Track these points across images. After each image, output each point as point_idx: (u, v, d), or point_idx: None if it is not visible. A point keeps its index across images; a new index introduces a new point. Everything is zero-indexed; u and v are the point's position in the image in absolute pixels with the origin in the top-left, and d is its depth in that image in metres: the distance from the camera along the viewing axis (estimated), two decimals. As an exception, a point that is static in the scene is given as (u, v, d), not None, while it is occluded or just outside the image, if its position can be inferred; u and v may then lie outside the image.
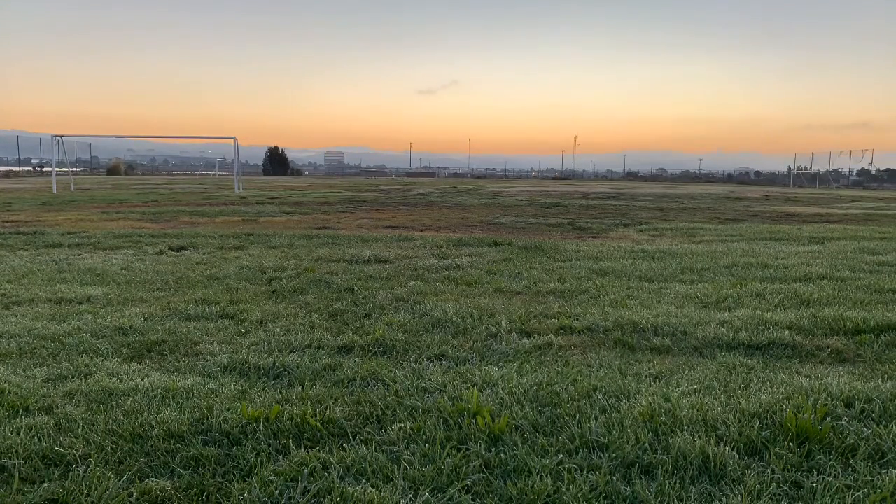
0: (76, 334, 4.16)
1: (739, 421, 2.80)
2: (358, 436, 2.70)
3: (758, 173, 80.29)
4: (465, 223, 12.97)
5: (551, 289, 5.79)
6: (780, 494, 2.26)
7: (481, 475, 2.37)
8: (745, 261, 7.54)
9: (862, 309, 4.97)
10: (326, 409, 2.94)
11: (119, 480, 2.32)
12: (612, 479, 2.33)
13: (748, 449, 2.58)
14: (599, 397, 3.08)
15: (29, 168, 64.00)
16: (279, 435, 2.69)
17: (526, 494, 2.24)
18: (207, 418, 2.82)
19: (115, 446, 2.57)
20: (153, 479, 2.34)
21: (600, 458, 2.49)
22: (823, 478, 2.35)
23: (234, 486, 2.30)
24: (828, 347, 3.99)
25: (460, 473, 2.38)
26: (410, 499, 2.23)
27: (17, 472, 2.37)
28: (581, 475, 2.35)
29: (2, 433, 2.67)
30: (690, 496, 2.24)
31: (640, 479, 2.34)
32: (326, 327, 4.42)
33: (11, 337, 4.09)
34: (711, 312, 4.89)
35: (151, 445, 2.59)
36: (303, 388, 3.22)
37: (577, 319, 4.61)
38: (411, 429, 2.74)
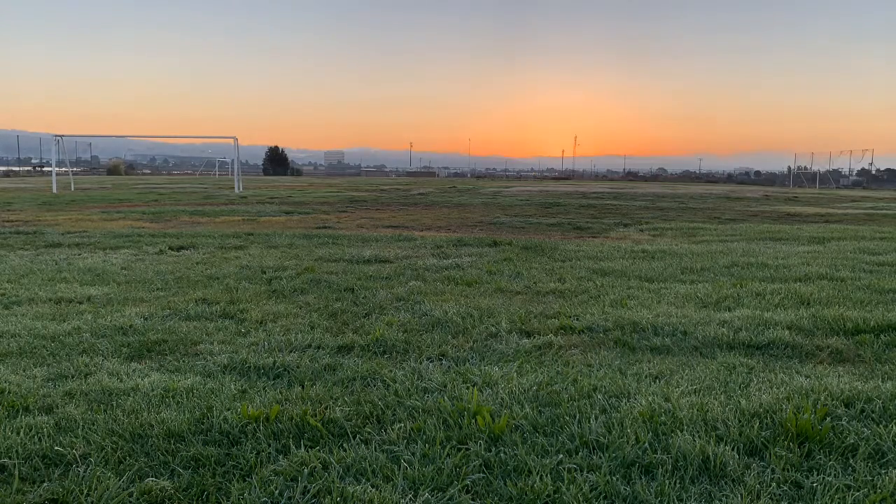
0: (76, 334, 4.16)
1: (739, 421, 2.80)
2: (358, 436, 2.70)
3: (758, 173, 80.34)
4: (465, 223, 12.97)
5: (551, 289, 5.79)
6: (780, 494, 2.26)
7: (481, 475, 2.37)
8: (745, 261, 7.54)
9: (862, 309, 4.97)
10: (326, 408, 2.94)
11: (119, 480, 2.32)
12: (612, 479, 2.33)
13: (748, 449, 2.57)
14: (599, 397, 3.08)
15: (29, 168, 64.01)
16: (279, 435, 2.69)
17: (526, 494, 2.24)
18: (207, 418, 2.82)
19: (115, 446, 2.57)
20: (153, 478, 2.34)
21: (600, 458, 2.49)
22: (823, 478, 2.35)
23: (234, 485, 2.30)
24: (828, 347, 3.99)
25: (460, 473, 2.38)
26: (410, 499, 2.23)
27: (17, 472, 2.37)
28: (581, 475, 2.35)
29: (2, 433, 2.67)
30: (690, 496, 2.24)
31: (640, 479, 2.34)
32: (326, 327, 4.42)
33: (11, 337, 4.09)
34: (711, 312, 4.89)
35: (151, 445, 2.59)
36: (303, 387, 3.22)
37: (577, 319, 4.60)
38: (411, 429, 2.74)
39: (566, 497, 2.22)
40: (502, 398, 3.07)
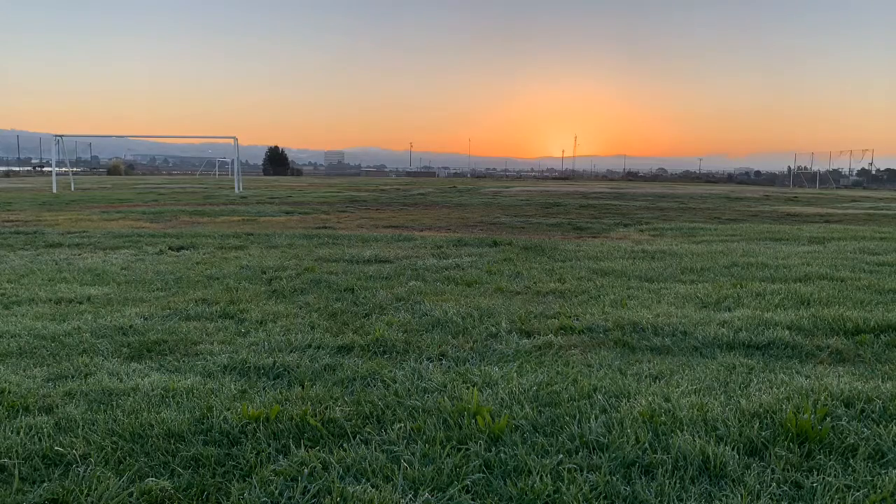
0: (76, 334, 4.16)
1: (739, 421, 2.80)
2: (358, 436, 2.70)
3: (758, 173, 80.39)
4: (465, 223, 12.97)
5: (551, 289, 5.79)
6: (780, 494, 2.26)
7: (481, 475, 2.37)
8: (745, 261, 7.54)
9: (862, 309, 4.97)
10: (326, 408, 2.94)
11: (119, 480, 2.32)
12: (612, 479, 2.33)
13: (748, 449, 2.57)
14: (599, 397, 3.08)
15: (29, 168, 64.07)
16: (279, 435, 2.69)
17: (526, 494, 2.24)
18: (207, 418, 2.82)
19: (115, 446, 2.57)
20: (153, 478, 2.34)
21: (600, 458, 2.49)
22: (823, 478, 2.35)
23: (234, 485, 2.30)
24: (828, 347, 3.99)
25: (460, 473, 2.38)
26: (410, 499, 2.23)
27: (17, 472, 2.37)
28: (581, 475, 2.35)
29: (2, 433, 2.67)
30: (690, 496, 2.24)
31: (640, 479, 2.34)
32: (326, 327, 4.42)
33: (11, 337, 4.09)
34: (711, 312, 4.89)
35: (151, 445, 2.59)
36: (303, 387, 3.22)
37: (577, 319, 4.60)
38: (411, 429, 2.74)
39: (566, 497, 2.22)
40: (502, 398, 3.07)
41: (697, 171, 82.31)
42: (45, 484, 2.30)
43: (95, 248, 8.37)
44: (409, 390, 3.18)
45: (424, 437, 2.67)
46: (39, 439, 2.62)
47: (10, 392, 3.11)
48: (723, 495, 2.25)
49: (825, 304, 5.14)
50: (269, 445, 2.60)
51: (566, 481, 2.31)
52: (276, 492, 2.26)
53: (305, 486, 2.29)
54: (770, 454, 2.52)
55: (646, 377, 3.42)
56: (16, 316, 4.66)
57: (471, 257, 7.76)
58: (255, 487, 2.28)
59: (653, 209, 17.77)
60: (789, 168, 62.06)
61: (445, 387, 3.23)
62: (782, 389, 3.17)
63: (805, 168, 58.59)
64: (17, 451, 2.52)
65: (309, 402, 3.00)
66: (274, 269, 6.75)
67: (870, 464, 2.46)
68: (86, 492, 2.24)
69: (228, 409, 2.91)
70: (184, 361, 3.67)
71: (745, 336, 4.17)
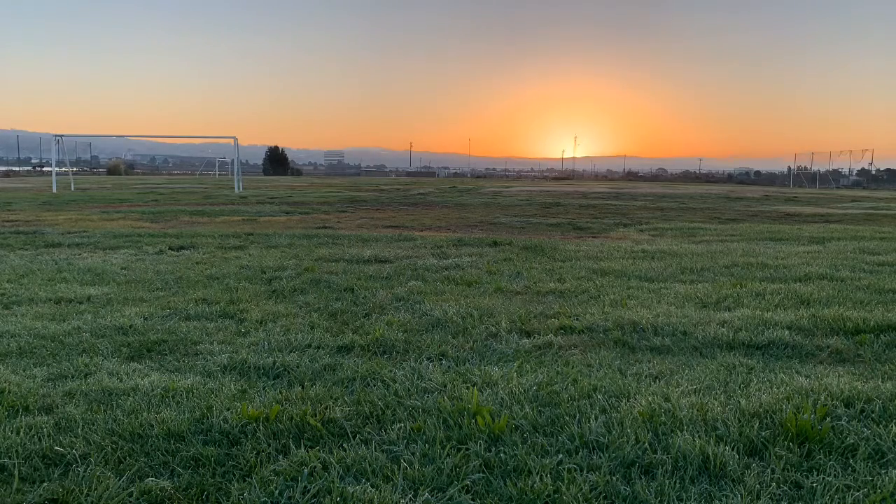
0: (76, 334, 4.16)
1: (739, 421, 2.80)
2: (358, 436, 2.70)
3: (758, 173, 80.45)
4: (465, 223, 12.97)
5: (551, 289, 5.79)
6: (779, 494, 2.26)
7: (481, 475, 2.37)
8: (745, 261, 7.54)
9: (862, 309, 4.97)
10: (326, 408, 2.94)
11: (119, 480, 2.32)
12: (612, 479, 2.33)
13: (748, 449, 2.57)
14: (599, 397, 3.08)
15: (29, 168, 64.10)
16: (279, 435, 2.69)
17: (526, 494, 2.24)
18: (207, 418, 2.82)
19: (115, 446, 2.57)
20: (153, 478, 2.34)
21: (600, 458, 2.49)
22: (823, 478, 2.35)
23: (233, 485, 2.30)
24: (828, 347, 3.99)
25: (460, 473, 2.38)
26: (410, 499, 2.23)
27: (16, 472, 2.37)
28: (581, 475, 2.35)
29: (2, 433, 2.67)
30: (690, 496, 2.24)
31: (640, 479, 2.34)
32: (326, 327, 4.42)
33: (11, 336, 4.09)
34: (711, 312, 4.89)
35: (151, 445, 2.59)
36: (303, 387, 3.22)
37: (577, 319, 4.60)
38: (411, 429, 2.74)
39: (566, 497, 2.22)
40: (502, 398, 3.07)
41: (697, 171, 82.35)
42: (45, 484, 2.30)
43: (95, 248, 8.37)
44: (409, 390, 3.18)
45: (424, 437, 2.67)
46: (39, 439, 2.62)
47: (10, 392, 3.11)
48: (723, 495, 2.25)
49: (825, 304, 5.14)
50: (269, 445, 2.60)
51: (566, 481, 2.31)
52: (276, 492, 2.26)
53: (305, 486, 2.29)
54: (770, 454, 2.52)
55: (646, 377, 3.42)
56: (16, 316, 4.67)
57: (471, 257, 7.76)
58: (255, 487, 2.28)
59: (653, 209, 17.77)
60: (789, 168, 62.10)
61: (445, 387, 3.23)
62: (782, 389, 3.17)
63: (805, 168, 58.64)
64: (17, 450, 2.52)
65: (309, 402, 3.00)
66: (274, 268, 6.75)
67: (870, 464, 2.46)
68: (86, 492, 2.24)
69: (228, 409, 2.91)
70: (184, 361, 3.67)
71: (744, 336, 4.17)
